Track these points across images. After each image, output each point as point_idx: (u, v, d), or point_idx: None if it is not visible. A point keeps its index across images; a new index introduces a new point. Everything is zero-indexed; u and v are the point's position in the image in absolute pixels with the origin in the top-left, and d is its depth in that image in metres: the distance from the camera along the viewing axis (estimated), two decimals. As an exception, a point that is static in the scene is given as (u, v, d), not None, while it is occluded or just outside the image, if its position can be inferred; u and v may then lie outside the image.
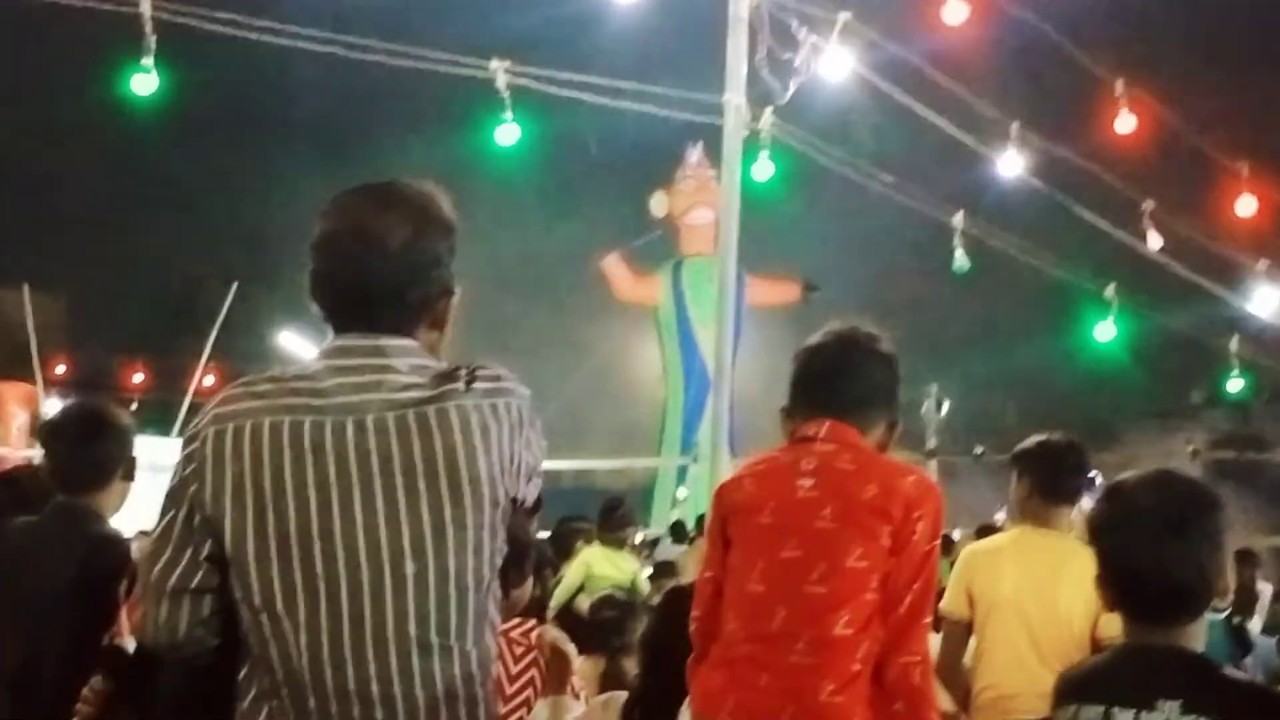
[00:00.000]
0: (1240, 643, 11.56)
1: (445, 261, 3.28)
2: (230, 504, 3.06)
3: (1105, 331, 22.10)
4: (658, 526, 30.48)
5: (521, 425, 3.21)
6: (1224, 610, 11.07)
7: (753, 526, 4.14)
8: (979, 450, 33.65)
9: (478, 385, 3.14)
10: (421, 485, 3.04)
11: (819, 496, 4.05)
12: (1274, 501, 36.73)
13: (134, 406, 42.52)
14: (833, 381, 4.35)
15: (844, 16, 14.05)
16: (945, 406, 27.12)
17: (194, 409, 35.47)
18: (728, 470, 14.80)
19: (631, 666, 7.50)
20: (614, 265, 38.23)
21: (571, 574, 12.34)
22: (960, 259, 18.93)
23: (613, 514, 13.24)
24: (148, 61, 12.16)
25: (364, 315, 3.19)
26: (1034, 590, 6.22)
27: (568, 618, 11.38)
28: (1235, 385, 27.52)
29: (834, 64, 13.97)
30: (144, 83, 12.56)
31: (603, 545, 12.71)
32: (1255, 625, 13.30)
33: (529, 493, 3.32)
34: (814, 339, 4.39)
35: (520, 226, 37.36)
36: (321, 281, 3.27)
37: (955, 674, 6.42)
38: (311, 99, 36.27)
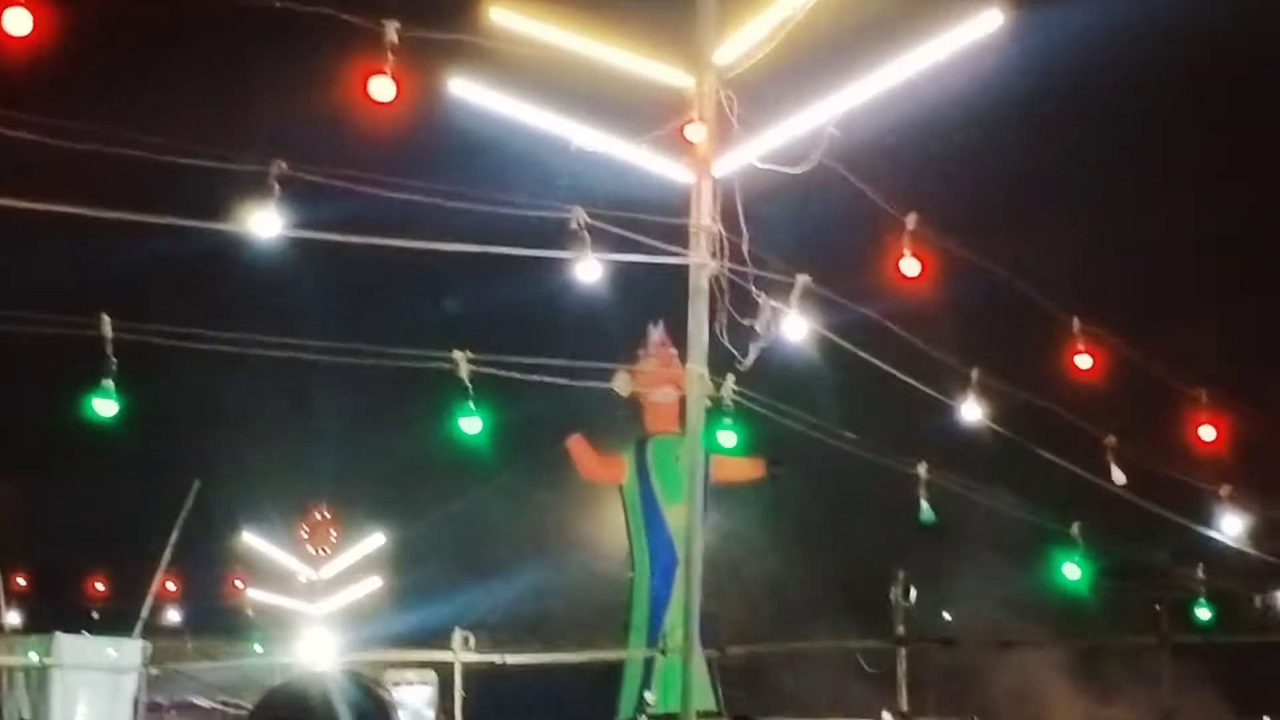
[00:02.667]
0: None
1: None
2: None
3: (1072, 570, 22.26)
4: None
5: None
6: None
7: None
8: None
9: None
10: None
11: None
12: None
13: (95, 614, 42.36)
14: None
15: (802, 279, 14.26)
16: (913, 594, 27.00)
17: (155, 611, 35.28)
18: (700, 664, 14.78)
19: None
20: (578, 445, 38.20)
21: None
22: (925, 510, 19.08)
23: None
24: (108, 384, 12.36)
25: None
26: None
27: None
28: (1203, 614, 27.58)
29: (794, 326, 14.16)
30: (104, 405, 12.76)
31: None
32: None
33: None
34: None
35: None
36: None
37: None
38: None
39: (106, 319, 12.37)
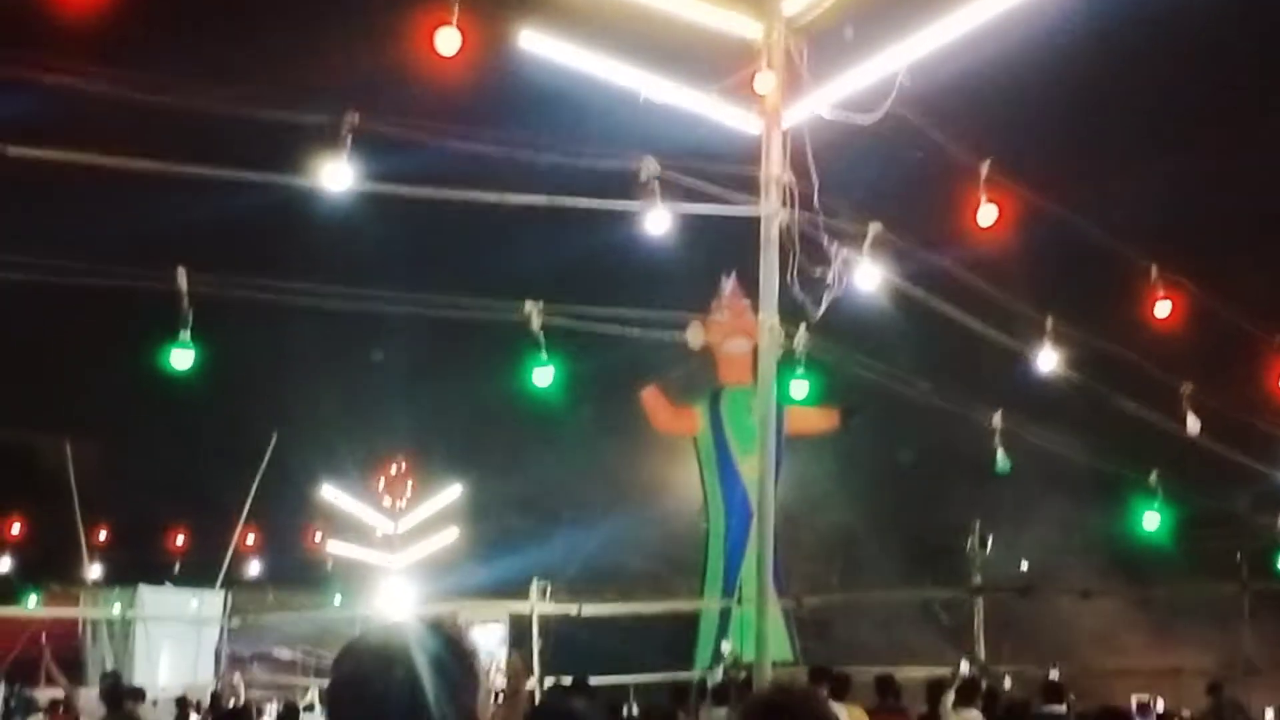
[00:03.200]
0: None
1: (460, 695, 3.22)
2: None
3: (1151, 520, 22.10)
4: (699, 671, 30.25)
5: None
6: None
7: None
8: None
9: None
10: None
11: None
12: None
13: (176, 567, 42.79)
14: None
15: (874, 227, 14.17)
16: (989, 543, 26.98)
17: (235, 563, 35.62)
18: (776, 614, 14.81)
19: None
20: (652, 397, 38.25)
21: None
22: (1002, 459, 18.99)
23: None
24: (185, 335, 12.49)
25: None
26: None
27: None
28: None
29: (866, 275, 14.07)
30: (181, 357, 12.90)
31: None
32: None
33: None
34: None
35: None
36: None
37: None
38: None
39: (182, 272, 12.47)
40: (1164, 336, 18.26)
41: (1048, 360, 16.80)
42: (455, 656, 3.24)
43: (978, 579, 27.36)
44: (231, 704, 22.03)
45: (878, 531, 38.75)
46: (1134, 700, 22.51)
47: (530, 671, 23.46)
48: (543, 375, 14.71)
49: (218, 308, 13.10)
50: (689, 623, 37.10)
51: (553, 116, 14.19)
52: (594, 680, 17.32)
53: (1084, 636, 31.98)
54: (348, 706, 3.20)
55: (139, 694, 18.59)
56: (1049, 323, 16.63)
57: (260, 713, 19.09)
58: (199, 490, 41.42)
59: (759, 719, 4.29)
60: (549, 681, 22.43)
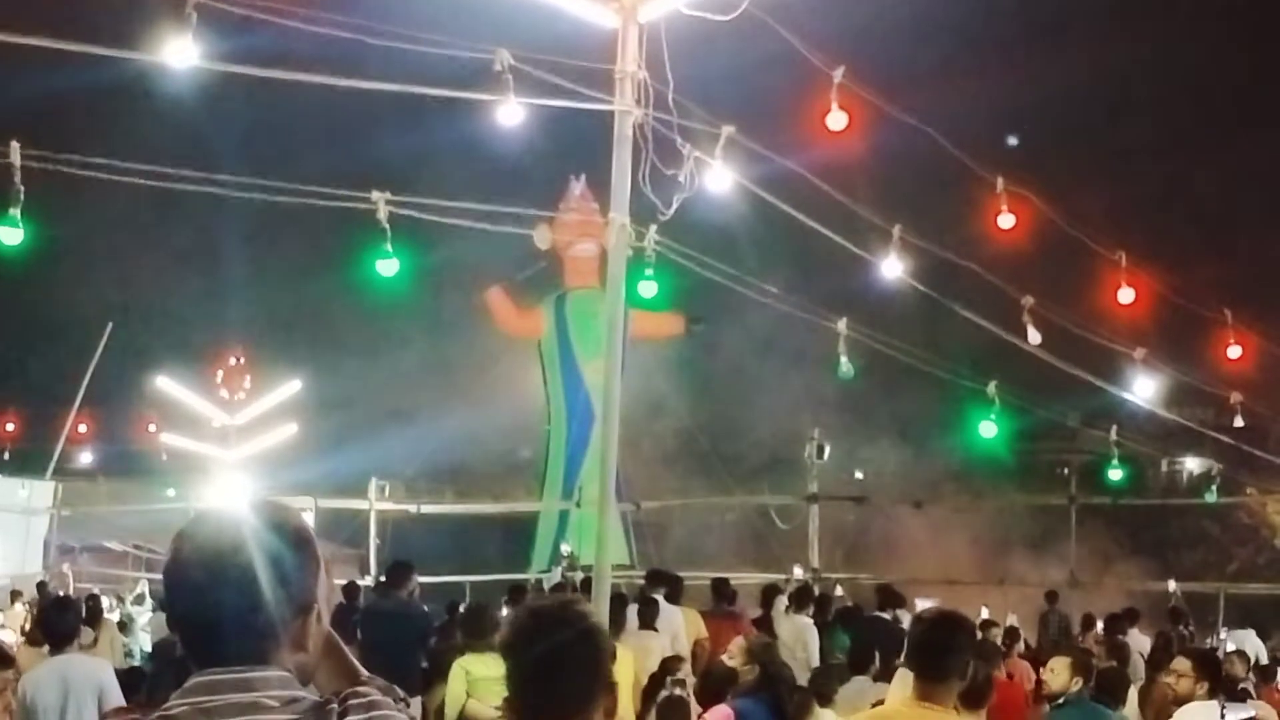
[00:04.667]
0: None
1: (296, 579, 3.12)
2: None
3: (988, 429, 22.47)
4: (535, 572, 30.38)
5: None
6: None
7: None
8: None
9: (350, 718, 3.02)
10: None
11: None
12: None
13: (5, 455, 42.05)
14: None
15: (727, 130, 14.09)
16: (826, 451, 27.29)
17: (66, 452, 35.01)
18: (614, 518, 14.87)
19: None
20: (497, 297, 38.15)
21: (453, 686, 12.22)
22: (845, 365, 19.14)
23: (476, 621, 13.19)
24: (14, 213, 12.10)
25: (220, 647, 3.05)
26: None
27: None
28: (1116, 474, 27.98)
29: (718, 177, 14.00)
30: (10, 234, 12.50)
31: (473, 652, 12.60)
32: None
33: None
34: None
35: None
36: (172, 615, 3.17)
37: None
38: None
39: (15, 145, 12.04)
40: (1007, 249, 18.49)
41: (892, 268, 16.90)
42: (288, 541, 3.15)
43: (814, 487, 27.68)
44: (61, 595, 21.68)
45: (717, 438, 39.05)
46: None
47: (367, 571, 23.41)
48: (387, 266, 14.52)
49: (52, 185, 12.70)
50: (527, 524, 37.22)
51: (409, 4, 13.90)
52: (429, 580, 17.25)
53: (916, 547, 32.60)
54: (181, 595, 3.11)
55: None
56: (896, 230, 16.71)
57: (98, 608, 18.76)
58: (30, 376, 40.67)
59: (525, 625, 4.26)
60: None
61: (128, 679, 14.08)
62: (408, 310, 33.93)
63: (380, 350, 37.45)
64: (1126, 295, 19.89)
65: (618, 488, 21.15)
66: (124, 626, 21.16)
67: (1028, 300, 18.79)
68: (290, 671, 3.10)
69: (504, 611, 18.67)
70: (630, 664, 12.32)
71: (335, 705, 3.05)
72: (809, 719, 9.50)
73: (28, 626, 19.35)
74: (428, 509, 29.49)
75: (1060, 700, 9.96)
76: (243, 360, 36.63)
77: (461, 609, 21.97)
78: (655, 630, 15.20)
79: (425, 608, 16.40)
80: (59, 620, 10.36)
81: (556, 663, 3.98)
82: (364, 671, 3.34)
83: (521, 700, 4.03)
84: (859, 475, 38.28)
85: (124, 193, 14.80)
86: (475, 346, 38.55)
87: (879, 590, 19.20)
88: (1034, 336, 18.86)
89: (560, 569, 26.18)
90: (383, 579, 16.88)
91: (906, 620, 15.61)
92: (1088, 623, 20.94)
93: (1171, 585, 25.36)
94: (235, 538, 3.08)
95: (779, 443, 33.85)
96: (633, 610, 15.38)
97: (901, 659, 10.07)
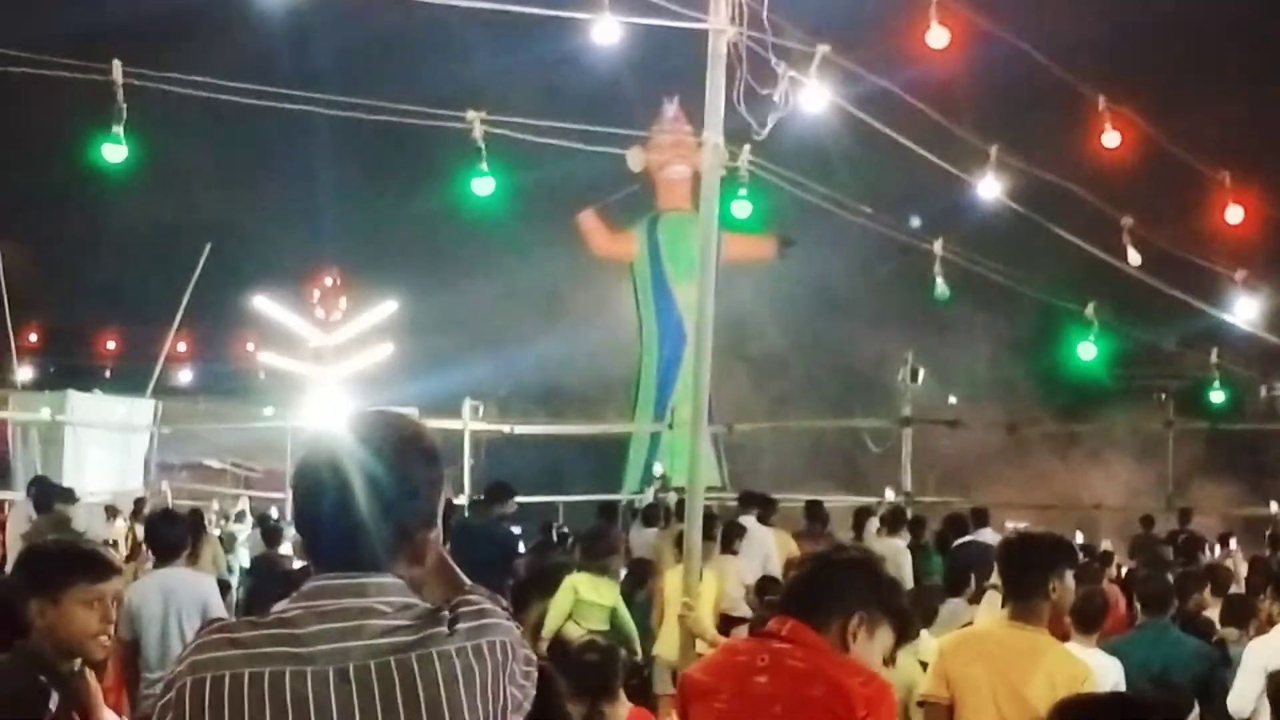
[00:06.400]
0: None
1: (425, 493, 3.22)
2: None
3: (1087, 350, 22.28)
4: (627, 494, 30.53)
5: (507, 662, 3.12)
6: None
7: (709, 710, 4.60)
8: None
9: (461, 626, 3.06)
10: None
11: (771, 691, 4.50)
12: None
13: (107, 373, 42.59)
14: (801, 587, 4.88)
15: (822, 49, 13.95)
16: (920, 375, 27.16)
17: (166, 371, 35.39)
18: (707, 440, 14.93)
19: (612, 713, 7.61)
20: (589, 220, 38.23)
21: (560, 600, 12.42)
22: (941, 286, 19.02)
23: (597, 542, 13.34)
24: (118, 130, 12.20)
25: (342, 552, 3.12)
26: (1005, 685, 6.30)
27: (558, 647, 11.49)
28: (1217, 397, 27.68)
29: (812, 97, 13.87)
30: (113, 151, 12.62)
31: (587, 572, 12.73)
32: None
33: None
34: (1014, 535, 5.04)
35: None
36: (299, 516, 3.24)
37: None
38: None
39: (117, 64, 12.12)
40: (1108, 169, 18.27)
41: (990, 188, 16.72)
42: (421, 455, 3.21)
43: (907, 410, 27.56)
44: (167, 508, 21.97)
45: (809, 360, 38.96)
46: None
47: (461, 490, 23.58)
48: (483, 185, 14.56)
49: (152, 104, 12.81)
50: (619, 445, 37.37)
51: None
52: (522, 499, 17.36)
53: (1011, 471, 32.39)
54: (311, 497, 3.19)
55: (69, 495, 18.48)
56: (993, 151, 16.53)
57: (201, 524, 18.96)
58: (131, 296, 41.13)
59: None
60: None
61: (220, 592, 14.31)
62: (502, 232, 33.99)
63: (475, 272, 37.53)
64: (1235, 215, 19.59)
65: (709, 410, 21.17)
66: (224, 543, 21.42)
67: (1127, 221, 18.56)
68: (404, 579, 3.16)
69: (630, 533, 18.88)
70: (711, 587, 12.40)
71: (447, 612, 3.10)
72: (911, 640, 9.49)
73: (128, 542, 19.67)
74: (521, 429, 29.66)
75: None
76: (338, 281, 36.90)
77: (555, 529, 22.26)
78: (735, 554, 15.22)
79: (514, 529, 16.50)
80: (167, 532, 10.40)
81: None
82: (469, 582, 3.38)
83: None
84: (952, 400, 38.01)
85: (222, 113, 14.91)
86: (569, 268, 38.60)
87: (973, 513, 19.12)
88: (1134, 257, 18.64)
89: (653, 490, 26.28)
90: (481, 497, 17.00)
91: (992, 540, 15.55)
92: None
93: (1274, 508, 24.95)
94: (371, 444, 3.15)
95: (872, 366, 33.70)
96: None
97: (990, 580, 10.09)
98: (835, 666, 4.55)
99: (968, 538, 17.07)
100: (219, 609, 10.03)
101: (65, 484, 20.00)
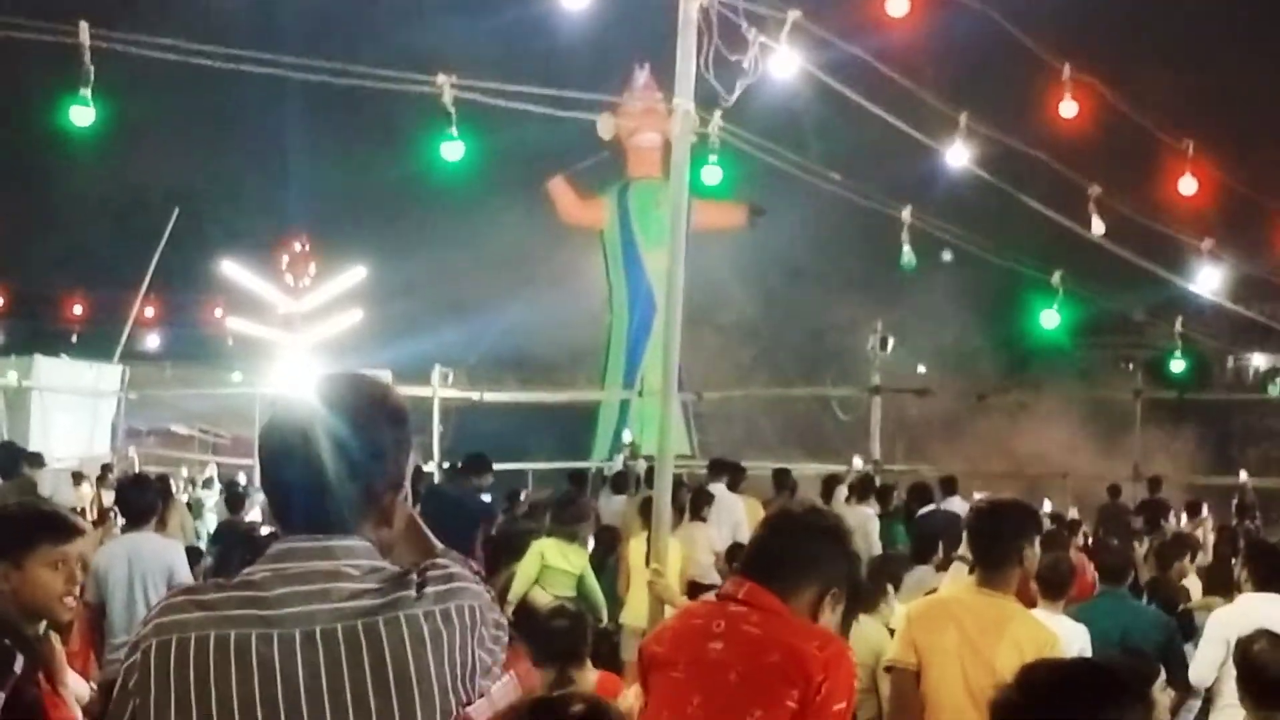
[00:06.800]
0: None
1: (392, 455, 3.22)
2: None
3: (1050, 318, 22.35)
4: (598, 461, 30.55)
5: (474, 626, 3.12)
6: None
7: (666, 680, 4.58)
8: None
9: (429, 589, 3.06)
10: (372, 702, 2.97)
11: (726, 659, 4.47)
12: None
13: (74, 338, 42.34)
14: (768, 550, 4.77)
15: (793, 15, 13.94)
16: (890, 344, 27.18)
17: (133, 336, 35.25)
18: (677, 408, 14.96)
19: (581, 678, 7.63)
20: (559, 187, 38.21)
21: (526, 565, 12.42)
22: (908, 254, 19.04)
23: (567, 508, 13.34)
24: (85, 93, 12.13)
25: (309, 514, 3.13)
26: (972, 651, 6.32)
27: (524, 612, 11.50)
28: (1178, 366, 27.80)
29: (782, 63, 13.86)
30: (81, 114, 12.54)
31: (555, 538, 12.74)
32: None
33: (485, 686, 3.23)
34: (772, 513, 4.84)
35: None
36: (265, 478, 3.25)
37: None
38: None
39: (84, 25, 12.05)
40: (1074, 138, 18.30)
41: (958, 156, 16.74)
42: (387, 416, 3.21)
43: (876, 379, 27.61)
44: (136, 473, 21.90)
45: (778, 328, 39.04)
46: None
47: (430, 457, 23.56)
48: (453, 150, 14.50)
49: (119, 67, 12.74)
50: (588, 413, 37.38)
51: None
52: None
53: (978, 440, 32.54)
54: (276, 459, 3.19)
55: (37, 459, 18.39)
56: (962, 118, 16.55)
57: (169, 490, 18.89)
58: (98, 261, 40.92)
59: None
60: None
61: (189, 559, 14.28)
62: (471, 198, 33.92)
63: (444, 238, 37.44)
64: (1190, 186, 19.68)
65: (679, 378, 21.19)
66: (192, 509, 21.39)
67: (1094, 189, 18.60)
68: (373, 542, 3.16)
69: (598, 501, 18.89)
70: (678, 553, 12.40)
71: (415, 576, 3.10)
72: (880, 606, 9.53)
73: (94, 508, 19.59)
74: (490, 397, 29.64)
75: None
76: (307, 246, 36.74)
77: (523, 496, 22.25)
78: (704, 521, 15.25)
79: (488, 499, 16.48)
80: (137, 498, 10.39)
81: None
82: (440, 546, 3.39)
83: None
84: (921, 369, 38.12)
85: (190, 75, 14.84)
86: (538, 235, 38.55)
87: (941, 482, 19.18)
88: (1097, 226, 18.68)
89: (622, 458, 26.32)
90: (459, 465, 16.98)
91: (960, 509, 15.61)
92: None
93: (1243, 476, 25.09)
94: (337, 406, 3.15)
95: (841, 334, 33.78)
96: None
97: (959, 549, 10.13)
98: (791, 631, 4.52)
99: (934, 506, 17.15)
100: (185, 574, 10.02)
101: (32, 449, 19.93)
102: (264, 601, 3.03)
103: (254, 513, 19.44)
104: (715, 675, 4.47)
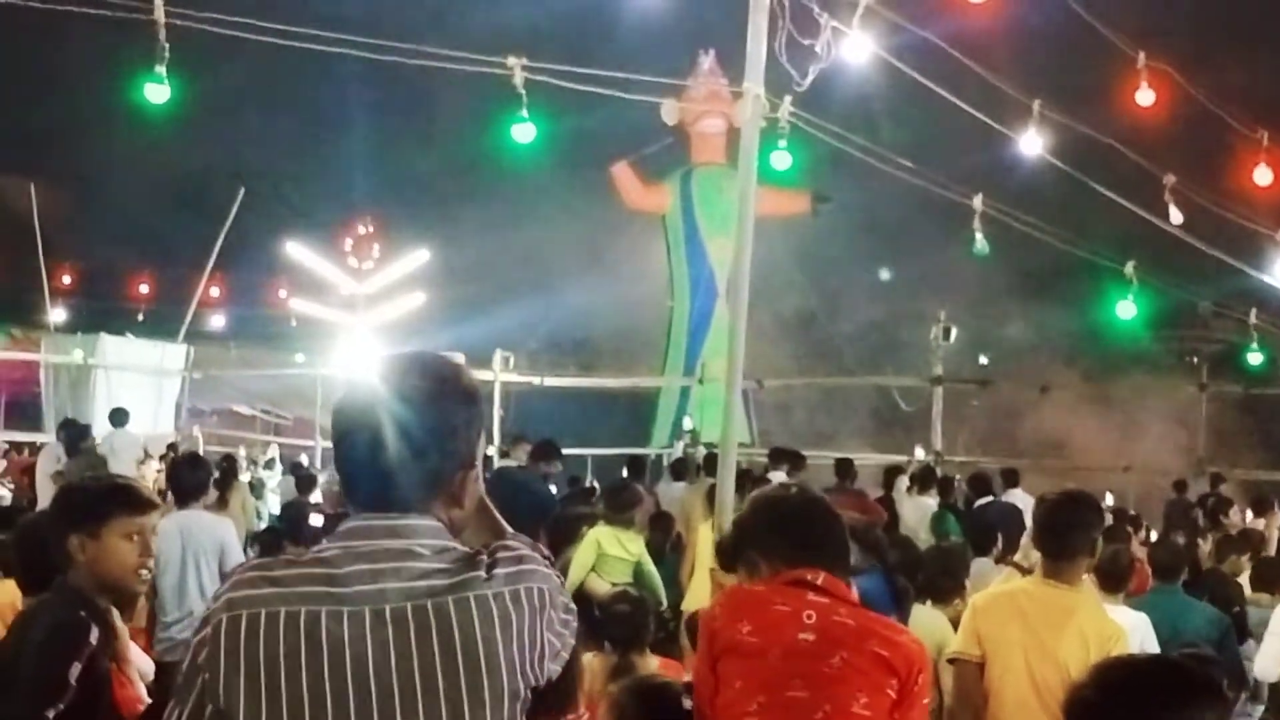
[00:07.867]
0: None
1: (463, 434, 3.18)
2: (244, 698, 2.93)
3: (1126, 309, 22.13)
4: (656, 448, 30.52)
5: (544, 609, 3.09)
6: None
7: (758, 666, 4.59)
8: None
9: (498, 571, 3.04)
10: (440, 682, 2.94)
11: (823, 648, 4.54)
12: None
13: (140, 317, 42.73)
14: (820, 533, 4.87)
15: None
16: (953, 334, 26.95)
17: (198, 316, 35.50)
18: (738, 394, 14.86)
19: (643, 664, 7.56)
20: (623, 172, 38.19)
21: (583, 553, 12.32)
22: (980, 242, 18.90)
23: (619, 495, 13.26)
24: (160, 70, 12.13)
25: (379, 492, 3.11)
26: (1037, 643, 6.33)
27: (581, 601, 11.42)
28: (1255, 359, 27.48)
29: (855, 48, 13.74)
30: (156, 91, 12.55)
31: (609, 525, 12.66)
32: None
33: (554, 670, 3.17)
34: (776, 493, 5.16)
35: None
36: (338, 456, 3.20)
37: (968, 712, 6.58)
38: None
39: (159, 3, 12.05)
40: (1148, 126, 18.12)
41: (1032, 144, 16.58)
42: (461, 396, 3.17)
43: (938, 369, 27.40)
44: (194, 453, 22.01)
45: (841, 317, 38.87)
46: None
47: (491, 440, 23.54)
48: (523, 132, 14.48)
49: (190, 46, 12.75)
50: (649, 399, 37.36)
51: None
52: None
53: (1041, 431, 32.27)
54: (350, 437, 3.16)
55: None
56: (1036, 106, 16.38)
57: (233, 470, 18.93)
58: (165, 240, 41.20)
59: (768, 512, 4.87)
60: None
61: (265, 538, 14.33)
62: (535, 183, 33.97)
63: (507, 222, 37.49)
64: (1265, 176, 19.49)
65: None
66: (254, 489, 21.46)
67: (1170, 179, 18.41)
68: (443, 522, 3.14)
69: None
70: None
71: (485, 557, 3.08)
72: (955, 600, 9.40)
73: (158, 485, 19.68)
74: (551, 382, 29.64)
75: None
76: (371, 228, 36.84)
77: (590, 482, 22.18)
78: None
79: (554, 489, 16.40)
80: (190, 476, 10.41)
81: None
82: (510, 529, 3.36)
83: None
84: (983, 360, 37.90)
85: (260, 55, 14.86)
86: (601, 220, 38.53)
87: (1003, 474, 19.03)
88: (1176, 216, 18.49)
89: (682, 444, 26.26)
90: (523, 449, 16.93)
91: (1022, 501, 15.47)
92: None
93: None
94: (408, 386, 3.13)
95: (904, 323, 33.60)
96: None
97: (1024, 540, 10.01)
98: (882, 624, 4.66)
99: (992, 498, 17.00)
100: (237, 552, 10.05)
101: (97, 427, 20.06)
102: (335, 579, 3.01)
103: (314, 494, 19.49)
104: (814, 664, 4.53)
